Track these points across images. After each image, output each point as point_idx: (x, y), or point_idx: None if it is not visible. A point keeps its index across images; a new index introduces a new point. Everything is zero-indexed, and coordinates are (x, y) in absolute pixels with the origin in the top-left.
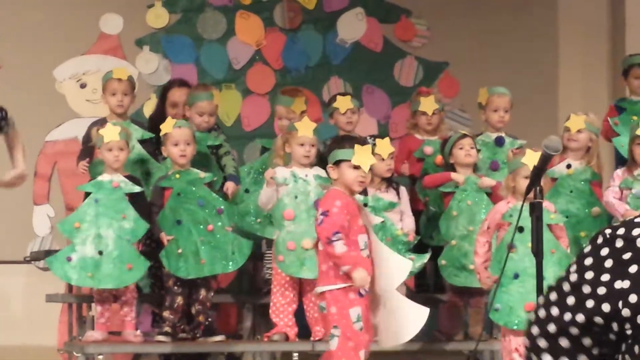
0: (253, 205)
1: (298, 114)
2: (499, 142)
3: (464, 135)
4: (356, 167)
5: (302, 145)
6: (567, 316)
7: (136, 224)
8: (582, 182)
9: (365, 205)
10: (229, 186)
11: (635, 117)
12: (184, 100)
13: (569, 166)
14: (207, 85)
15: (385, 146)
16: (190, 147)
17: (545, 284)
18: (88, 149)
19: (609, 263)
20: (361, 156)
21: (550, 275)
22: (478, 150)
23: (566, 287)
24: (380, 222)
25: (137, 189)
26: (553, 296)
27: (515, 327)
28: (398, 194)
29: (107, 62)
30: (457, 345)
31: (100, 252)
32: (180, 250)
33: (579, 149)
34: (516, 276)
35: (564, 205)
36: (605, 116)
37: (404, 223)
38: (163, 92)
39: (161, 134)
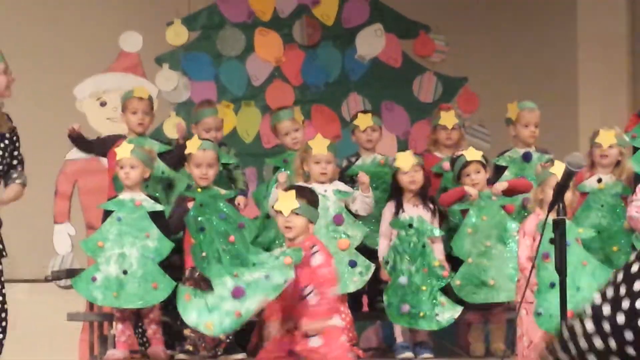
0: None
1: (301, 123)
2: (527, 157)
3: (469, 162)
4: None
5: (317, 163)
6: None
7: (160, 243)
8: (613, 196)
9: (410, 226)
10: (240, 200)
11: None
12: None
13: (599, 180)
14: (211, 101)
15: (404, 159)
16: (213, 169)
17: (581, 295)
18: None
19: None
20: (281, 202)
21: (585, 286)
22: (503, 168)
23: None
24: (422, 247)
25: (159, 207)
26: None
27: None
28: (433, 211)
29: (127, 80)
30: None
31: (125, 272)
32: (204, 254)
33: (611, 164)
34: (552, 285)
35: (596, 220)
36: (625, 128)
37: (434, 248)
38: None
39: (186, 151)
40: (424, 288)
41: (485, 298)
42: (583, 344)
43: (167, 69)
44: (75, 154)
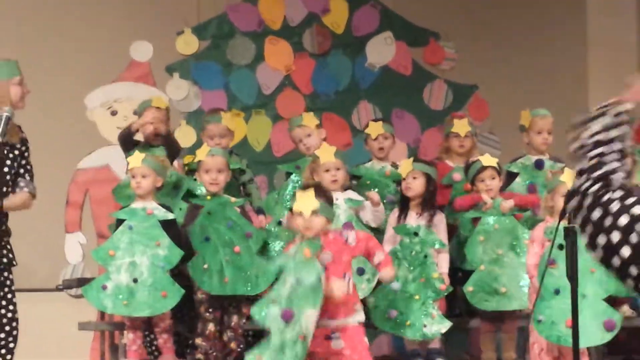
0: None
1: (314, 128)
2: (539, 165)
3: (484, 168)
4: (299, 213)
5: (327, 171)
6: None
7: (170, 251)
8: None
9: (416, 234)
10: (261, 220)
11: None
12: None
13: None
14: (217, 110)
15: (403, 166)
16: (223, 175)
17: (585, 303)
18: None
19: None
20: (300, 202)
21: (590, 293)
22: (516, 174)
23: None
24: (423, 257)
25: (170, 216)
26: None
27: (556, 342)
28: (431, 218)
29: (138, 89)
30: None
31: (135, 280)
32: (206, 266)
33: None
34: (557, 292)
35: None
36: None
37: (441, 257)
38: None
39: (196, 159)
40: (417, 297)
41: (497, 306)
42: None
43: (178, 78)
44: (86, 163)
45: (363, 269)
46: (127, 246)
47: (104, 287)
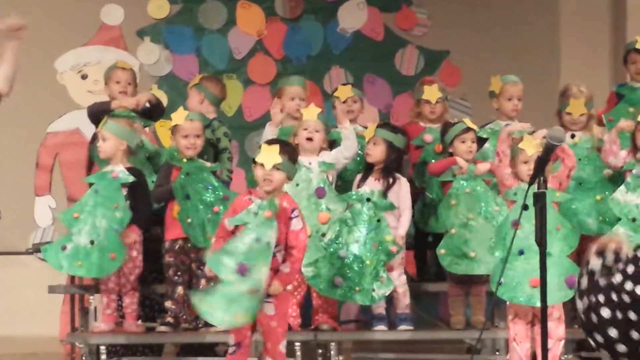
0: None
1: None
2: None
3: (468, 129)
4: (261, 165)
5: (305, 129)
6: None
7: (124, 213)
8: (588, 149)
9: (369, 200)
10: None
11: (631, 109)
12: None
13: (573, 136)
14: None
15: (368, 130)
16: (200, 139)
17: (551, 261)
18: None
19: None
20: (264, 155)
21: (556, 251)
22: (486, 139)
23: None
24: (377, 222)
25: (131, 179)
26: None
27: (520, 302)
28: (392, 184)
29: (109, 53)
30: (459, 334)
31: (92, 242)
32: (189, 220)
33: (581, 128)
34: (521, 252)
35: (575, 173)
36: (603, 110)
37: (401, 220)
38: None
39: (172, 124)
40: (368, 262)
41: (466, 270)
42: (606, 314)
43: (149, 42)
44: (56, 126)
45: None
46: (91, 209)
47: (64, 248)
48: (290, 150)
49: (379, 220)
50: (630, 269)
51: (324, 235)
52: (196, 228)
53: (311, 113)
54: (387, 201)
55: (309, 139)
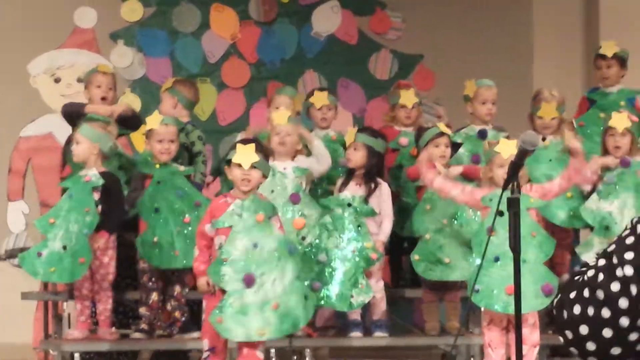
0: None
1: (295, 111)
2: (482, 135)
3: (442, 134)
4: (239, 165)
5: (277, 134)
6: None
7: (93, 217)
8: (559, 152)
9: (349, 205)
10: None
11: (602, 115)
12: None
13: (543, 139)
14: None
15: (348, 136)
16: (174, 144)
17: (526, 268)
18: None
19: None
20: (240, 154)
21: (531, 258)
22: (460, 144)
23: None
24: (357, 227)
25: (101, 182)
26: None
27: (497, 310)
28: (374, 189)
29: (82, 56)
30: (434, 340)
31: (65, 247)
32: (155, 239)
33: (553, 132)
34: (497, 259)
35: (547, 171)
36: (575, 115)
37: (382, 227)
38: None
39: (146, 128)
40: (347, 268)
41: (441, 276)
42: (577, 310)
43: (122, 46)
44: (29, 130)
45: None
46: (66, 213)
47: (39, 255)
48: (264, 149)
49: (359, 226)
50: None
51: (303, 238)
52: (163, 247)
53: (281, 118)
54: (369, 207)
55: (282, 144)
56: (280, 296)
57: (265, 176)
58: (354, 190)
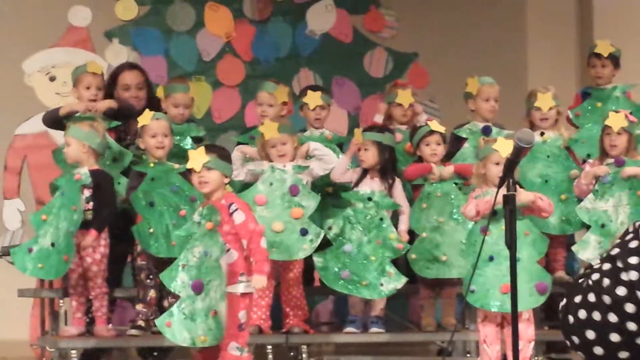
0: None
1: (279, 104)
2: (486, 131)
3: (432, 132)
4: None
5: (273, 147)
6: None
7: (79, 215)
8: (557, 148)
9: (370, 199)
10: None
11: (599, 104)
12: (136, 83)
13: (542, 134)
14: (183, 78)
15: (355, 138)
16: (168, 139)
17: (520, 266)
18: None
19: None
20: (191, 159)
21: (525, 257)
22: (465, 139)
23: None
24: (379, 220)
25: (89, 180)
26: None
27: (492, 309)
28: (390, 186)
29: (76, 54)
30: (430, 336)
31: (53, 244)
32: (151, 230)
33: (551, 125)
34: (491, 258)
35: (543, 170)
36: (571, 107)
37: (402, 218)
38: (113, 77)
39: (138, 125)
40: (372, 258)
41: (438, 274)
42: (583, 315)
43: (117, 44)
44: (24, 128)
45: (306, 230)
46: (57, 211)
47: (30, 250)
48: (219, 150)
49: (381, 219)
50: (606, 265)
51: (330, 228)
52: (159, 238)
53: (271, 130)
54: (390, 200)
55: (282, 156)
56: (219, 303)
57: (227, 176)
58: (370, 185)
